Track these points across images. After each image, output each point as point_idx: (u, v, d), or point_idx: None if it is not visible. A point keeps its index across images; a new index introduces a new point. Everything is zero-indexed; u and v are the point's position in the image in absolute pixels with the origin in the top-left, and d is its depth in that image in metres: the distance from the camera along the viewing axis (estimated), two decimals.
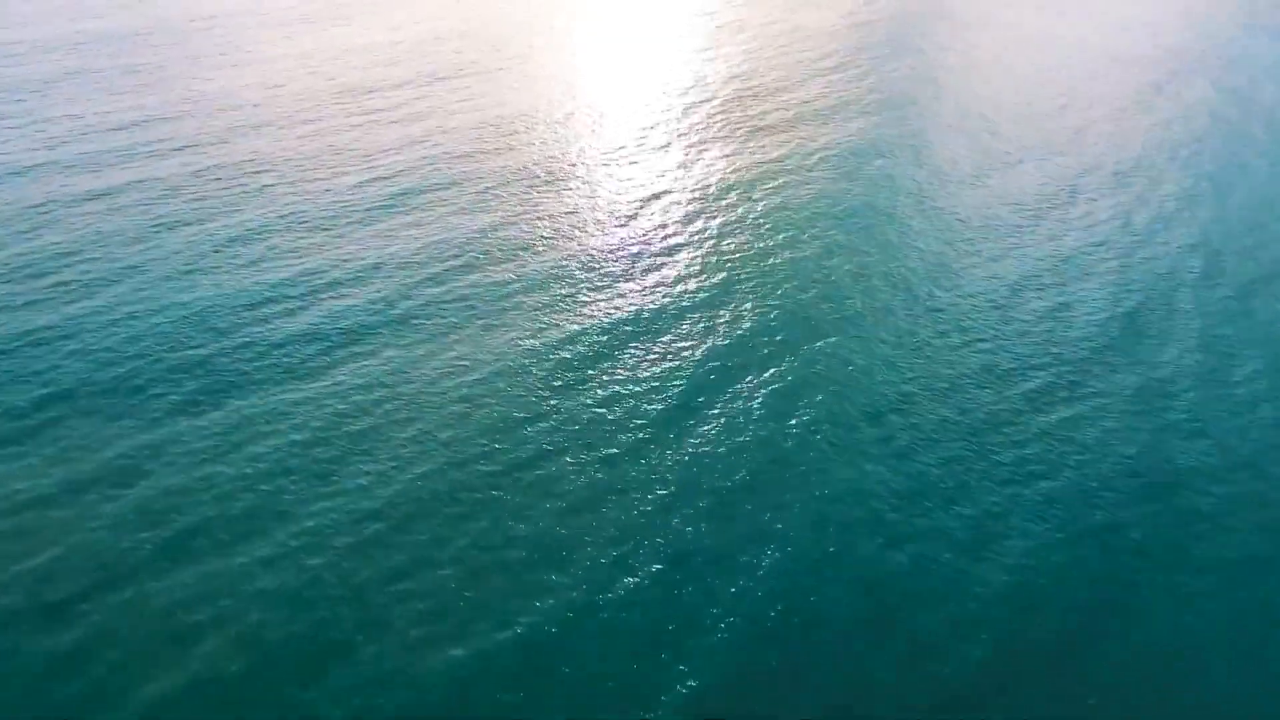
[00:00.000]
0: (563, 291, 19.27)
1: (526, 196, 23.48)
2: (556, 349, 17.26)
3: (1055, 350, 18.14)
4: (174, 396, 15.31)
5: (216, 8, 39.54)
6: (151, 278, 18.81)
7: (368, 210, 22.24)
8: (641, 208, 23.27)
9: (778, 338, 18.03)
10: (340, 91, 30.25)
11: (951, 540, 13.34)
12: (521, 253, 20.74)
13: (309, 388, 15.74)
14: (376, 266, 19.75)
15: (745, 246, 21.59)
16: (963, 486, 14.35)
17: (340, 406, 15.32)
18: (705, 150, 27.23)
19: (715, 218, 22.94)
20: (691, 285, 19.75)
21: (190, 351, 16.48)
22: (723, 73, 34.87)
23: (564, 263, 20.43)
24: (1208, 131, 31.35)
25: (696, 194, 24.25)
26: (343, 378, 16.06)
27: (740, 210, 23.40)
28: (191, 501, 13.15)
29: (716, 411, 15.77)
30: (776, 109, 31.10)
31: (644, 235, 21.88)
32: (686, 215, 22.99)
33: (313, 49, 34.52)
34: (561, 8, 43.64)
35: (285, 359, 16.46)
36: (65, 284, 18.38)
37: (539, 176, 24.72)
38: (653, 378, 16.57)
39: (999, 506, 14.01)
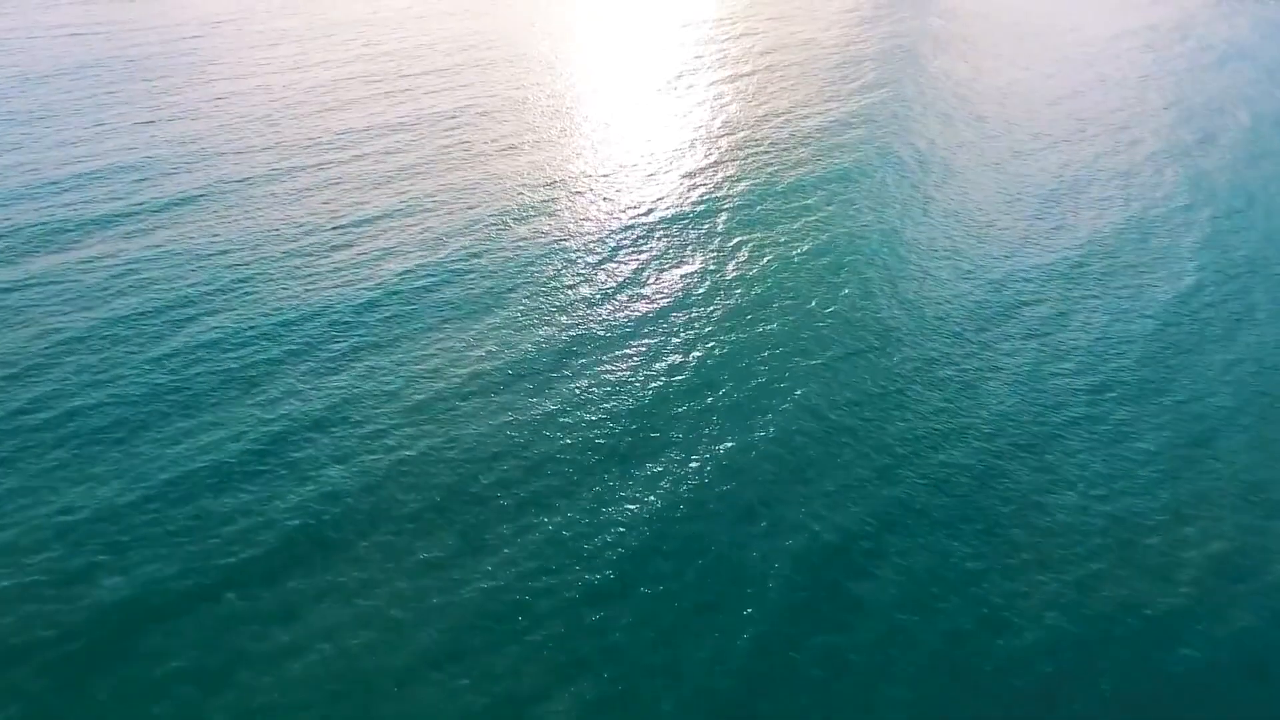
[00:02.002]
0: (562, 304, 19.08)
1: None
2: (541, 356, 17.09)
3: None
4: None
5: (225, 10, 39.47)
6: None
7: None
8: (645, 209, 23.14)
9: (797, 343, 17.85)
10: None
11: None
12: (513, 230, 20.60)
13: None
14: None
15: (755, 247, 21.43)
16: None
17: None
18: (705, 149, 27.10)
19: (720, 216, 22.80)
20: (693, 284, 19.59)
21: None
22: (722, 58, 34.75)
23: (570, 271, 20.24)
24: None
25: (698, 194, 24.11)
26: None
27: (750, 204, 23.27)
28: None
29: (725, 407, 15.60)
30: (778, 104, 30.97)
31: (649, 238, 21.72)
32: (688, 212, 22.86)
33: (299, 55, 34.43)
34: (568, 9, 43.56)
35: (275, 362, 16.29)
36: None
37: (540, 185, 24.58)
38: (653, 379, 16.39)
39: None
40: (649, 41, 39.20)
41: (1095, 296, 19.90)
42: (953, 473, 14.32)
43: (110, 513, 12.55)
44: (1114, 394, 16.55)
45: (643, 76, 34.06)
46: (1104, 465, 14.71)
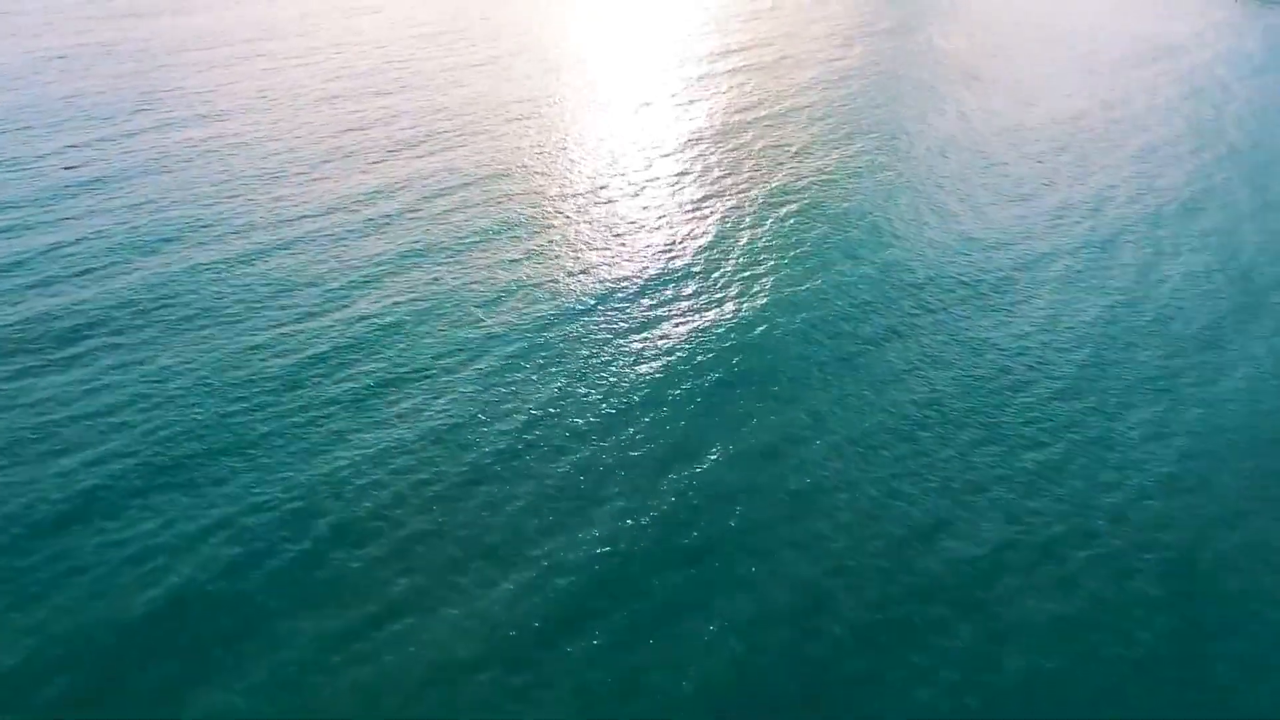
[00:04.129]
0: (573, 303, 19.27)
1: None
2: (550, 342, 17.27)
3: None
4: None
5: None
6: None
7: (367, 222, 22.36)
8: (652, 210, 23.35)
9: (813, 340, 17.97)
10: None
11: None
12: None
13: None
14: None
15: (765, 249, 21.59)
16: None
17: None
18: (709, 145, 27.30)
19: (726, 213, 22.97)
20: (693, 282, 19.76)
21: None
22: (724, 50, 35.00)
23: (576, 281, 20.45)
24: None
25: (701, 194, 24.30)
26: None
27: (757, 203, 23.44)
28: None
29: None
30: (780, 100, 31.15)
31: (655, 243, 21.93)
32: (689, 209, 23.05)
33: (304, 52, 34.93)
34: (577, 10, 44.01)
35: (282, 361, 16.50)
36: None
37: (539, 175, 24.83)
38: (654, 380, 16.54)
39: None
40: (651, 45, 39.56)
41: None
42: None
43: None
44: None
45: (642, 80, 34.38)
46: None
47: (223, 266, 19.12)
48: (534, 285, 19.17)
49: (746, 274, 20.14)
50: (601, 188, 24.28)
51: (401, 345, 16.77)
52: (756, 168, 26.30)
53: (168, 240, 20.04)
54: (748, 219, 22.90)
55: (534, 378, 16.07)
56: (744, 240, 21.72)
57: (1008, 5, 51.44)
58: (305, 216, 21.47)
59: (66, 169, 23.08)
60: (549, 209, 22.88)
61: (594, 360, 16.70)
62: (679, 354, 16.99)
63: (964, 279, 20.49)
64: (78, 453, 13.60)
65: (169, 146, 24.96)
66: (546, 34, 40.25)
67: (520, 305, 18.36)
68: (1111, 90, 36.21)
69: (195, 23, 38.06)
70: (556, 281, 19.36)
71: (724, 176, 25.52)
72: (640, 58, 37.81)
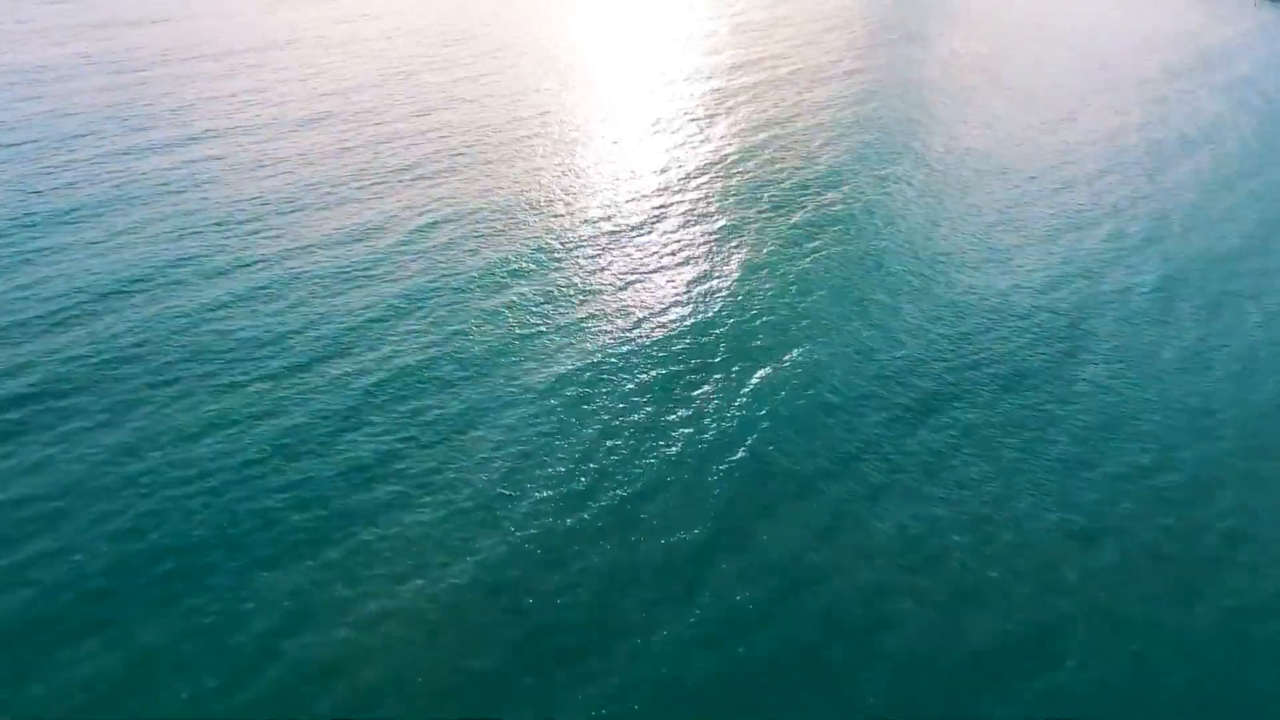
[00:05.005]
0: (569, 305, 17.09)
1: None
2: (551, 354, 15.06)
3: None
4: None
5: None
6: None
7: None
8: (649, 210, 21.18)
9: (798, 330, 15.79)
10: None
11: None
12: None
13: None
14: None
15: (769, 251, 19.44)
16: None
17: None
18: (711, 145, 25.14)
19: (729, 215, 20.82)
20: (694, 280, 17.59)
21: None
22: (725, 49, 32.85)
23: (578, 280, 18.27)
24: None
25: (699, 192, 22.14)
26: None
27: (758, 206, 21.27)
28: None
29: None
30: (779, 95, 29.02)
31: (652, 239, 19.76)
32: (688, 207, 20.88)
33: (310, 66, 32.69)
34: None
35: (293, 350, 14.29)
36: None
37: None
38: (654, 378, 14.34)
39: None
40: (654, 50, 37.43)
41: None
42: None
43: None
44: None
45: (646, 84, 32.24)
46: None
47: (196, 313, 16.89)
48: (547, 333, 16.99)
49: (780, 324, 17.99)
50: (615, 217, 22.09)
51: (405, 409, 14.57)
52: (779, 193, 24.15)
53: (136, 283, 17.78)
54: (775, 255, 20.75)
55: (560, 440, 13.88)
56: (774, 283, 19.57)
57: (1032, 8, 49.43)
58: (291, 254, 19.27)
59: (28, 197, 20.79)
60: (560, 245, 20.70)
61: (622, 416, 14.53)
62: (709, 414, 14.82)
63: (1026, 323, 18.39)
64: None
65: (138, 174, 22.59)
66: (545, 34, 38.06)
67: (535, 358, 16.16)
68: (1154, 106, 34.19)
69: (172, 33, 35.68)
70: (572, 329, 17.19)
71: (744, 206, 23.35)
72: (653, 75, 35.60)
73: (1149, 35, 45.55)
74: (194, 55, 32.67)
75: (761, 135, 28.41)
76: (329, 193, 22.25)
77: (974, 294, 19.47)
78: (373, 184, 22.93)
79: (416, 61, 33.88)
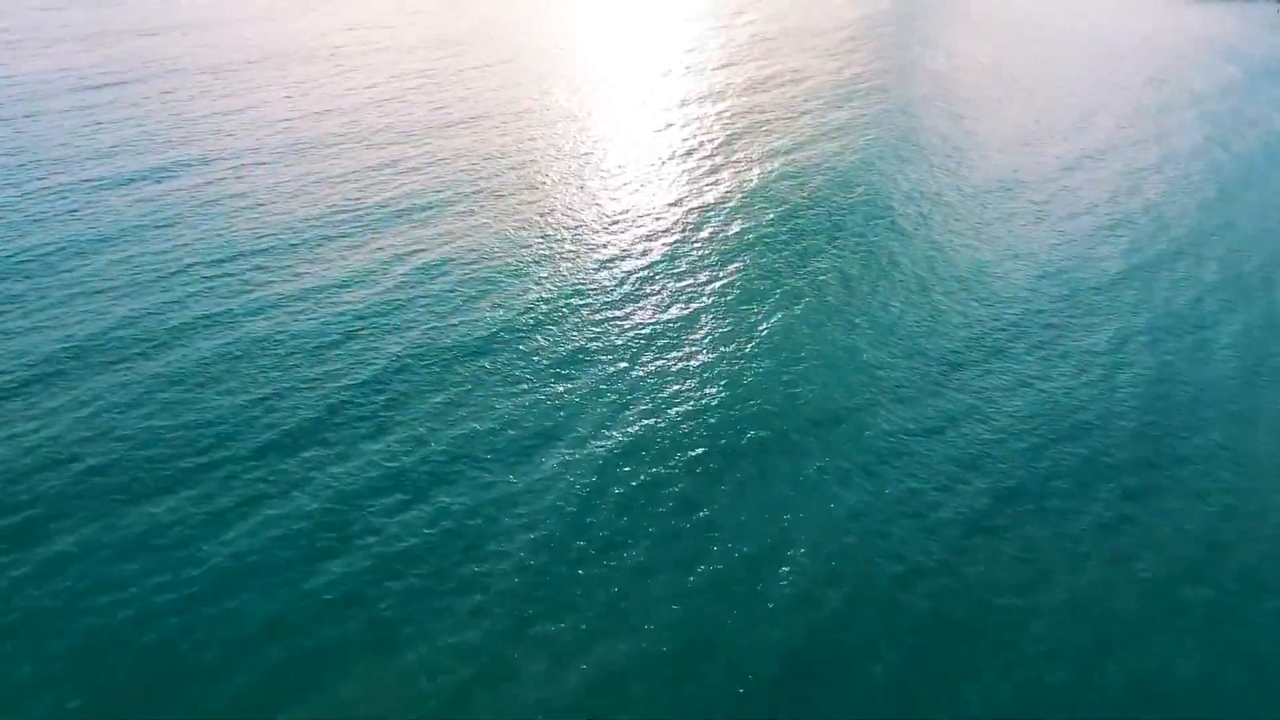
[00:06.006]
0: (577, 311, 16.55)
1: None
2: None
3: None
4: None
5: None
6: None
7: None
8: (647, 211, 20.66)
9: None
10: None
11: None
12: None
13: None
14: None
15: (772, 252, 18.91)
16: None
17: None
18: (714, 146, 24.63)
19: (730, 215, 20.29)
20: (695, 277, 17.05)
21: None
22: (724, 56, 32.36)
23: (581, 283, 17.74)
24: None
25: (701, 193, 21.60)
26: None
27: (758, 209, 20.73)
28: None
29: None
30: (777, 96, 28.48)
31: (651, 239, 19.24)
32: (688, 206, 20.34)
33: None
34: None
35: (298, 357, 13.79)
36: None
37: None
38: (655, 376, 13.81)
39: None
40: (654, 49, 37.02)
41: None
42: None
43: None
44: None
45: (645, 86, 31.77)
46: None
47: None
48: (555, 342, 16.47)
49: (777, 316, 17.44)
50: (622, 230, 21.51)
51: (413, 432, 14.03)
52: (785, 200, 23.62)
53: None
54: (780, 263, 20.20)
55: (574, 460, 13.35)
56: (779, 291, 19.01)
57: (1038, 10, 48.94)
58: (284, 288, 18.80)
59: None
60: (573, 298, 20.19)
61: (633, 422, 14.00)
62: (709, 404, 14.28)
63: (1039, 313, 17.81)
64: None
65: (121, 206, 21.82)
66: (547, 34, 37.64)
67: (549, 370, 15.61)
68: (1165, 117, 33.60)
69: (168, 46, 35.41)
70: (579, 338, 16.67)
71: (747, 217, 22.75)
72: (655, 82, 35.12)
73: (1149, 35, 44.98)
74: (173, 69, 32.33)
75: (770, 165, 27.27)
76: (312, 233, 20.81)
77: (989, 297, 18.94)
78: (367, 223, 21.28)
79: (414, 78, 33.25)
